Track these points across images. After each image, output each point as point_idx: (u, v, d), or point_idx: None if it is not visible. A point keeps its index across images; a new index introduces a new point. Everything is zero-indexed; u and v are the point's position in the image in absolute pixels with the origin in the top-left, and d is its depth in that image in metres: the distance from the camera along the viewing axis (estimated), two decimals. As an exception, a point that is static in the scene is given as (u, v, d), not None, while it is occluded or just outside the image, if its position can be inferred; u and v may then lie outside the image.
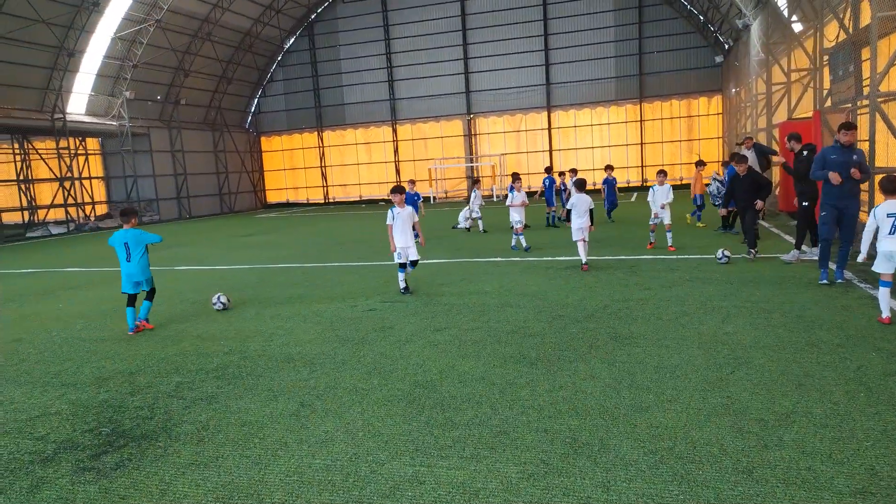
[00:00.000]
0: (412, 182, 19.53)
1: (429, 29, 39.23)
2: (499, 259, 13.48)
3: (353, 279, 12.15)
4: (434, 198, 39.03)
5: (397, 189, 10.31)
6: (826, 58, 14.42)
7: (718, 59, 34.29)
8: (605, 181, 20.16)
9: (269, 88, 43.08)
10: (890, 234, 6.94)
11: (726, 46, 33.78)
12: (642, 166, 37.10)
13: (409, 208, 10.34)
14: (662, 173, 13.59)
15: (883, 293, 7.02)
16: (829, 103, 14.42)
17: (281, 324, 8.79)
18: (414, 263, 10.46)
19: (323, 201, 42.58)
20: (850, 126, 8.62)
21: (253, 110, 43.41)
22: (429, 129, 40.50)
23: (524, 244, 14.39)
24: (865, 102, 12.90)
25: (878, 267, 7.03)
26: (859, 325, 6.96)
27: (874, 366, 5.64)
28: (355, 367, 6.64)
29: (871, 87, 11.05)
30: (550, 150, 38.46)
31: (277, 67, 42.76)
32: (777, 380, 5.46)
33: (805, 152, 11.51)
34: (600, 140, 38.00)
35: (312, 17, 41.29)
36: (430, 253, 15.04)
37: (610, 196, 19.89)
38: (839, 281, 9.04)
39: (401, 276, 10.39)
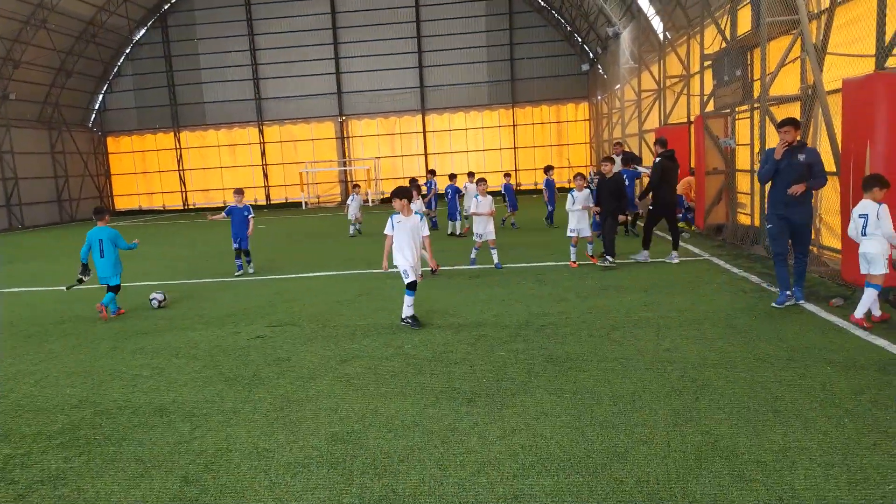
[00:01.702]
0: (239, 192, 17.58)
1: (297, 25, 37.27)
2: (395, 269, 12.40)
3: (230, 298, 10.59)
4: (306, 203, 37.14)
5: (401, 191, 7.91)
6: (707, 63, 14.73)
7: (585, 66, 35.40)
8: (546, 183, 19.35)
9: (116, 84, 39.01)
10: (863, 234, 6.72)
11: (591, 55, 34.94)
12: (516, 170, 37.47)
13: (417, 217, 8.07)
14: (580, 176, 11.58)
15: (868, 294, 6.73)
16: (710, 107, 14.75)
17: (146, 360, 7.19)
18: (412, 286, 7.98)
19: (182, 207, 39.20)
20: (791, 122, 7.54)
21: (98, 107, 39.12)
22: (299, 131, 38.50)
23: (472, 257, 12.28)
24: (747, 107, 13.25)
25: (862, 269, 6.83)
26: (793, 333, 6.65)
27: (837, 383, 5.22)
28: (251, 417, 5.33)
29: (762, 90, 11.21)
30: (426, 154, 37.87)
31: (126, 61, 38.82)
32: (749, 406, 4.87)
33: (658, 159, 11.63)
34: (475, 144, 37.96)
35: (166, 6, 37.88)
36: (317, 266, 13.70)
37: (551, 199, 19.12)
38: (799, 302, 7.75)
39: (409, 300, 7.94)
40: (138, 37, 38.47)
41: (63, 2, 31.46)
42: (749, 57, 12.21)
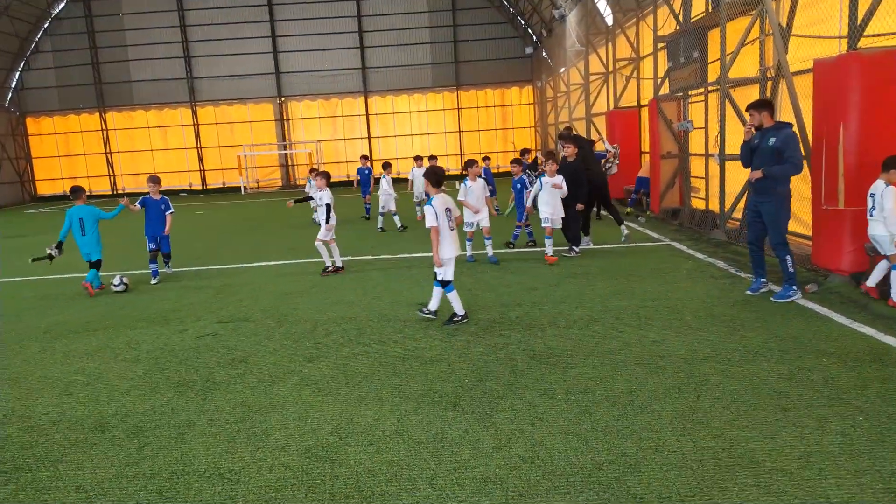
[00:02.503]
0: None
1: (230, 1, 35.56)
2: (349, 258, 11.78)
3: (173, 292, 9.76)
4: (245, 188, 35.70)
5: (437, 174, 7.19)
6: (660, 45, 14.59)
7: (528, 50, 35.17)
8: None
9: (34, 61, 36.33)
10: (870, 215, 6.56)
11: (535, 38, 34.74)
12: (461, 154, 37.03)
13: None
14: (551, 159, 10.50)
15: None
16: (663, 90, 14.64)
17: (82, 364, 6.41)
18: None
19: (110, 192, 37.03)
20: (755, 105, 7.22)
21: (15, 86, 36.40)
22: (235, 112, 36.86)
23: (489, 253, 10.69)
24: (701, 90, 13.16)
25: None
26: (777, 322, 6.46)
27: (839, 377, 5.01)
28: (208, 431, 4.72)
29: (722, 72, 11.08)
30: (369, 137, 36.95)
31: (45, 36, 36.18)
32: (754, 405, 4.58)
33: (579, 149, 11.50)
34: (419, 127, 37.27)
35: (88, -22, 35.50)
36: (261, 255, 12.92)
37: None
38: (790, 300, 7.10)
39: (437, 293, 7.19)
40: (57, 10, 35.91)
41: (-29, -31, 28.94)
42: (705, 38, 12.07)
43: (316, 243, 10.43)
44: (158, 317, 8.19)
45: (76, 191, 10.15)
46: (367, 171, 18.46)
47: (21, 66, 36.18)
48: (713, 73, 12.12)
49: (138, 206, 10.68)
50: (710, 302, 7.38)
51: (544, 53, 33.00)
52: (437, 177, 7.12)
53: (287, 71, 36.33)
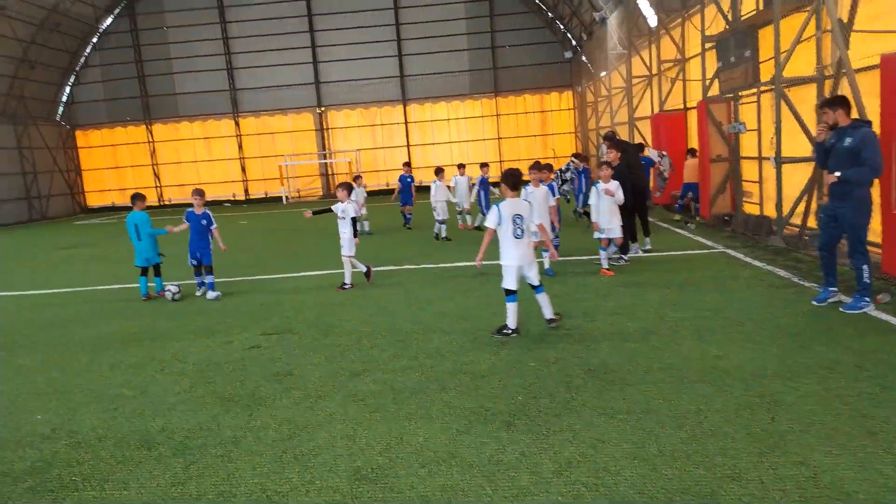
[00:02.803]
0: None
1: (271, 13, 36.04)
2: (391, 267, 11.64)
3: (218, 303, 9.75)
4: (287, 197, 36.05)
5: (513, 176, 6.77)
6: (709, 45, 14.13)
7: (568, 54, 34.74)
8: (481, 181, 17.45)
9: (83, 75, 37.44)
10: None
11: (574, 42, 34.31)
12: (500, 161, 36.76)
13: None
14: (607, 164, 10.08)
15: None
16: (712, 91, 14.17)
17: (128, 377, 6.37)
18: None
19: (157, 203, 37.82)
20: (827, 103, 6.76)
21: (65, 100, 37.54)
22: (276, 122, 37.34)
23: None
24: (753, 91, 12.68)
25: None
26: (849, 335, 6.05)
27: (927, 395, 4.62)
28: (255, 449, 4.57)
29: (777, 71, 10.62)
30: (408, 145, 36.99)
31: (94, 51, 37.27)
32: (836, 427, 4.23)
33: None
34: (457, 135, 37.17)
35: (134, -6, 36.46)
36: (303, 265, 12.87)
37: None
38: (862, 311, 6.68)
39: (512, 308, 6.81)
40: (105, 25, 36.96)
41: (25, -12, 29.95)
42: (757, 37, 11.61)
43: (345, 259, 9.98)
44: (204, 328, 8.15)
45: (135, 197, 10.48)
46: (409, 180, 17.82)
47: (71, 80, 37.28)
48: (766, 72, 11.67)
49: (179, 228, 10.34)
50: (774, 313, 6.98)
51: (584, 58, 32.58)
52: (514, 179, 6.74)
53: (327, 81, 36.65)
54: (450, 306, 8.38)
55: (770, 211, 12.50)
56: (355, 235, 9.86)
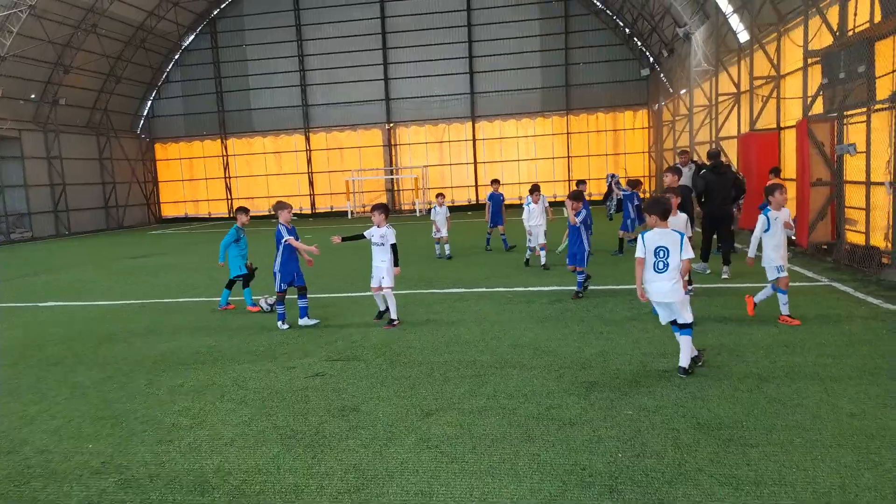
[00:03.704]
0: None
1: (346, 31, 36.46)
2: (461, 290, 11.06)
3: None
4: (352, 212, 36.16)
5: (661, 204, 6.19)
6: (811, 60, 13.05)
7: (644, 72, 33.64)
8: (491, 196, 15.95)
9: (164, 90, 38.80)
10: None
11: (651, 60, 33.21)
12: (569, 180, 35.83)
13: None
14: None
15: None
16: (814, 111, 13.07)
17: (186, 404, 5.97)
18: None
19: (228, 216, 38.59)
20: None
21: (146, 114, 38.94)
22: (345, 138, 37.61)
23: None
24: (862, 110, 11.55)
25: None
26: None
27: None
28: (318, 500, 4.02)
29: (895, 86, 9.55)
30: (475, 163, 36.56)
31: (175, 67, 38.59)
32: None
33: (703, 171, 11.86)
34: (526, 153, 36.47)
35: (215, 12, 37.53)
36: (364, 283, 12.40)
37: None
38: None
39: (685, 342, 6.08)
40: (187, 42, 38.22)
41: (114, 6, 31.20)
42: (873, 51, 10.54)
43: (385, 292, 8.72)
44: (266, 351, 7.74)
45: (239, 210, 10.60)
46: (500, 197, 15.80)
47: (153, 95, 38.66)
48: (881, 90, 10.58)
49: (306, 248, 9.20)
50: (910, 362, 6.02)
51: (661, 75, 31.45)
52: (662, 209, 6.07)
53: (396, 97, 36.69)
54: (528, 338, 7.69)
55: (878, 241, 11.32)
56: (396, 264, 8.68)
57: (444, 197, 15.84)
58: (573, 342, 7.32)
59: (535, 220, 13.30)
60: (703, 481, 4.00)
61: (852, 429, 4.63)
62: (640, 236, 6.09)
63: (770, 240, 7.70)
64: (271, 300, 9.90)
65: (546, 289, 10.67)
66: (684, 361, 5.98)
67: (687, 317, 5.97)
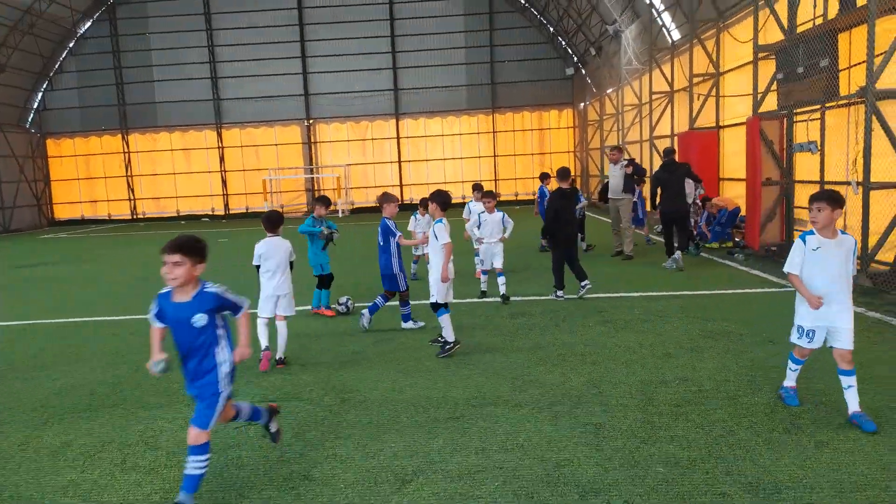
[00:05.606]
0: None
1: (260, 21, 34.28)
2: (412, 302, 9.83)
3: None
4: (343, 211, 33.81)
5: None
6: (762, 55, 12.67)
7: (569, 70, 33.50)
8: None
9: (57, 81, 35.26)
10: None
11: (575, 59, 33.06)
12: (496, 179, 35.22)
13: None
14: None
15: None
16: (764, 108, 12.70)
17: (74, 475, 4.48)
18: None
19: (130, 217, 35.59)
20: None
21: (36, 107, 35.30)
22: (261, 134, 35.43)
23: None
24: (816, 107, 11.21)
25: None
26: None
27: None
28: None
29: (868, 81, 9.11)
30: (399, 161, 35.31)
31: (69, 56, 35.14)
32: None
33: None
34: (452, 151, 35.57)
35: (114, -3, 34.52)
36: (297, 295, 10.94)
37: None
38: None
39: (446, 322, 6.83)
40: (83, 30, 34.94)
41: (-5, -15, 27.91)
42: (836, 43, 10.14)
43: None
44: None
45: (319, 200, 9.58)
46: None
47: (44, 86, 35.14)
48: (844, 84, 10.21)
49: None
50: (944, 386, 5.33)
51: (586, 74, 31.29)
52: (441, 199, 7.11)
53: (316, 93, 34.93)
54: (500, 362, 6.60)
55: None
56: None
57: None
58: (557, 368, 6.28)
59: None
60: (797, 580, 3.01)
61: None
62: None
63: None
64: (347, 301, 9.24)
65: (521, 298, 9.63)
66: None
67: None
